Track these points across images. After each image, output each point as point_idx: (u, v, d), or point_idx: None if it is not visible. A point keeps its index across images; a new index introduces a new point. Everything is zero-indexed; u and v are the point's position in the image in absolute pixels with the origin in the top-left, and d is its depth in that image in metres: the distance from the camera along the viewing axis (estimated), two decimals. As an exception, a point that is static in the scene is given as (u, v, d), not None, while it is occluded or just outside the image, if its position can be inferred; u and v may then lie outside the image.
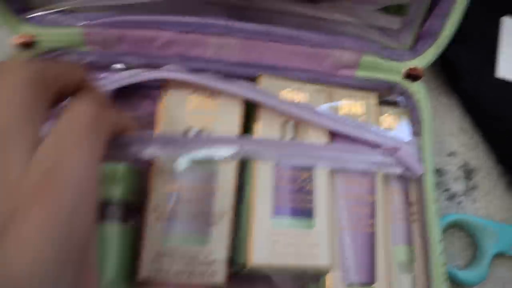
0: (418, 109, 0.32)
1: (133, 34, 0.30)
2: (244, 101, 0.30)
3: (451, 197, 0.37)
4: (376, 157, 0.30)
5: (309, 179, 0.28)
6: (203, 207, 0.26)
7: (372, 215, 0.29)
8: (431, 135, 0.31)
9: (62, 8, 0.30)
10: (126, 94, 0.31)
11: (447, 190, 0.37)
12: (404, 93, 0.33)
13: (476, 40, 0.39)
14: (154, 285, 0.26)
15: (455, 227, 0.36)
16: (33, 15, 0.30)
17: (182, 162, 0.27)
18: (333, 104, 0.31)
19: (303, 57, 0.32)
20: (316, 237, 0.26)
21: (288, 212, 0.26)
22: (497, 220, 0.37)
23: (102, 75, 0.30)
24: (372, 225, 0.29)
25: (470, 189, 0.38)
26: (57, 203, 0.15)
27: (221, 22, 0.30)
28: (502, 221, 0.37)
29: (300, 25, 0.31)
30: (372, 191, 0.30)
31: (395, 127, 0.33)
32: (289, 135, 0.29)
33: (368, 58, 0.32)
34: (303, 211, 0.27)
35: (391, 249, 0.29)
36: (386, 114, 0.33)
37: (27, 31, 0.29)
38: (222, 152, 0.27)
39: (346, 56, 0.32)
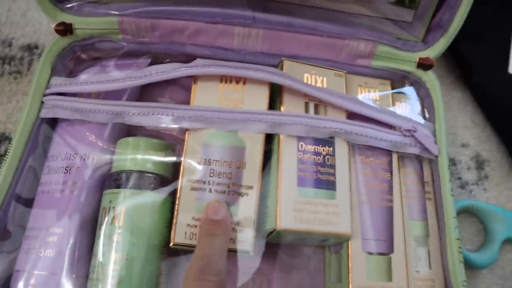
0: (431, 96, 0.34)
1: (165, 23, 0.32)
2: (269, 87, 0.31)
3: (463, 185, 0.39)
4: (395, 137, 0.31)
5: (332, 154, 0.29)
6: (233, 179, 0.28)
7: (390, 191, 0.30)
8: (443, 120, 0.33)
9: (97, -1, 0.32)
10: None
11: (459, 178, 0.39)
12: (416, 82, 0.35)
13: (489, 37, 0.41)
14: (185, 252, 0.27)
15: (467, 213, 0.38)
16: (71, 5, 0.32)
17: (214, 136, 0.29)
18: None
19: (321, 47, 0.34)
20: (337, 207, 0.28)
21: (312, 184, 0.28)
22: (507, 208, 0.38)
23: (135, 62, 0.32)
24: (390, 200, 0.30)
25: (481, 179, 0.39)
26: None
27: (247, 13, 0.32)
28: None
29: (318, 16, 0.33)
30: (390, 169, 0.31)
31: (407, 114, 0.34)
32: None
33: (383, 48, 0.34)
34: (326, 182, 0.28)
35: (408, 223, 0.31)
36: (397, 102, 0.35)
37: (66, 19, 0.32)
38: (251, 127, 0.29)
39: (362, 46, 0.34)
